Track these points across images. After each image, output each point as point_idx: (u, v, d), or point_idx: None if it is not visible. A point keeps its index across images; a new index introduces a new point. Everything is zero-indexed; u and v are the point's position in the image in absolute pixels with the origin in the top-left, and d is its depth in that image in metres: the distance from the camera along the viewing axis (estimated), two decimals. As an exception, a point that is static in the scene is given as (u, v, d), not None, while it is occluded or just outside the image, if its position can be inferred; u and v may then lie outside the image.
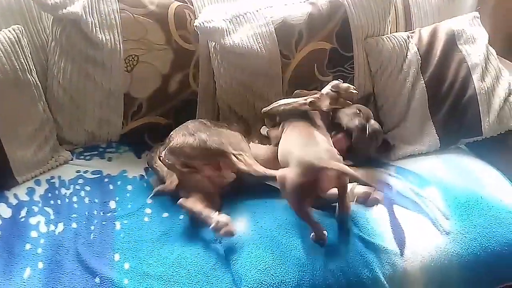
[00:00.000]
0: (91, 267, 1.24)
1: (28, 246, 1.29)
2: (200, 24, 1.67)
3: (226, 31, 1.69)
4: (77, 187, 1.55)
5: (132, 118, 1.76)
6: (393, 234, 1.30)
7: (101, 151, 1.74)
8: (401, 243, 1.28)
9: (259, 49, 1.70)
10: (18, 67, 1.55)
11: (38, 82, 1.62)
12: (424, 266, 1.27)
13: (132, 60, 1.70)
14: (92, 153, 1.73)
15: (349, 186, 1.34)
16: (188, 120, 1.62)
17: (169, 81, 1.76)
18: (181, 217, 1.41)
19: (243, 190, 1.46)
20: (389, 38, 1.84)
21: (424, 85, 1.78)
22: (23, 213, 1.42)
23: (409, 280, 1.25)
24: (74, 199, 1.49)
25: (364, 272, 1.23)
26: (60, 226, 1.37)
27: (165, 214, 1.44)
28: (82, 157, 1.71)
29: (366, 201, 1.39)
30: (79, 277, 1.22)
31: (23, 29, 1.62)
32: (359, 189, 1.42)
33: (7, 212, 1.42)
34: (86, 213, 1.43)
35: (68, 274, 1.22)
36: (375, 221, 1.34)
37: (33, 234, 1.34)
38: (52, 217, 1.41)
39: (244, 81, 1.75)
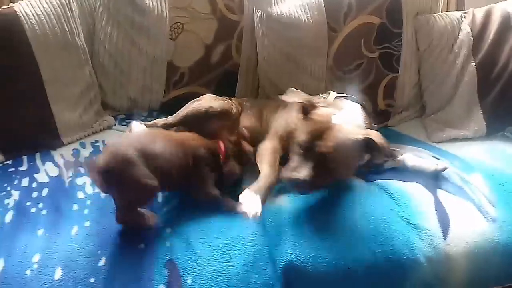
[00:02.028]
0: (137, 230, 1.27)
1: (75, 207, 1.33)
2: None
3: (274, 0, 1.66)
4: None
5: (174, 87, 1.77)
6: (437, 216, 1.28)
7: (142, 119, 1.76)
8: (445, 227, 1.26)
9: (306, 19, 1.67)
10: (67, 29, 1.57)
11: (85, 46, 1.65)
12: (467, 251, 1.24)
13: (177, 28, 1.70)
14: (134, 120, 1.75)
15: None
16: (227, 91, 1.62)
17: (212, 52, 1.75)
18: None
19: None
20: (441, 16, 1.78)
21: (474, 67, 1.72)
22: (70, 173, 1.45)
23: (450, 264, 1.22)
24: (117, 163, 1.52)
25: (404, 252, 1.21)
26: (105, 191, 1.40)
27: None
28: (124, 123, 1.74)
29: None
30: (124, 236, 1.25)
31: (72, -7, 1.64)
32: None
33: (54, 171, 1.47)
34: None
35: (113, 233, 1.25)
36: (419, 202, 1.32)
37: (80, 195, 1.37)
38: (97, 178, 1.44)
39: (288, 53, 1.73)
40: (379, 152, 1.28)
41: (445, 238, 1.24)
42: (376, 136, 1.28)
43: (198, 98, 1.56)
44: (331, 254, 1.20)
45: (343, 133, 1.28)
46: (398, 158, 1.46)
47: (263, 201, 1.27)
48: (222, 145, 1.40)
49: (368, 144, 1.27)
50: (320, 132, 1.27)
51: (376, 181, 1.42)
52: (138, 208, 1.25)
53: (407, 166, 1.45)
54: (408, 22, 1.76)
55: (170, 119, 1.52)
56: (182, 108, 1.54)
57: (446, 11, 1.86)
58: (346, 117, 1.35)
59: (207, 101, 1.53)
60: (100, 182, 1.21)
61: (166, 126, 1.50)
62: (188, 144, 1.35)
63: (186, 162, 1.32)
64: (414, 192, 1.35)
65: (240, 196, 1.25)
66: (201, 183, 1.35)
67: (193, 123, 1.48)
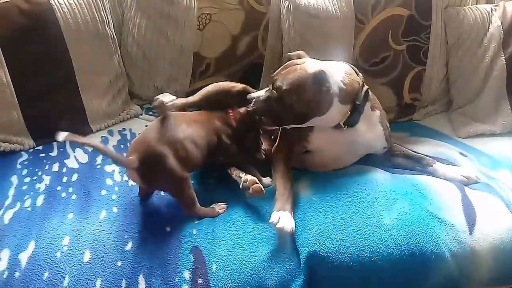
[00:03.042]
0: (163, 217, 1.30)
1: (103, 192, 1.37)
2: None
3: None
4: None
5: (200, 77, 1.79)
6: (464, 211, 1.26)
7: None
8: (471, 222, 1.24)
9: (333, 11, 1.67)
10: (98, 19, 1.61)
11: (115, 36, 1.68)
12: (493, 247, 1.22)
13: (205, 18, 1.71)
14: (160, 110, 1.78)
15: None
16: (252, 83, 1.62)
17: (238, 43, 1.76)
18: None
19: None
20: (471, 9, 1.75)
21: (504, 61, 1.68)
22: (98, 160, 1.49)
23: (475, 260, 1.21)
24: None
25: (429, 245, 1.20)
26: (133, 179, 1.43)
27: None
28: (150, 113, 1.77)
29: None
30: (151, 222, 1.29)
31: (103, -18, 1.67)
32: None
33: (84, 158, 1.50)
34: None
35: (140, 219, 1.29)
36: (446, 196, 1.31)
37: (108, 181, 1.41)
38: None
39: (314, 44, 1.72)
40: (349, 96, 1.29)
41: (471, 233, 1.23)
42: (330, 69, 1.29)
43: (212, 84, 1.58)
44: (355, 245, 1.20)
45: (300, 69, 1.29)
46: (430, 168, 1.43)
47: (291, 213, 1.27)
48: (231, 112, 1.43)
49: (321, 76, 1.27)
50: (287, 67, 1.32)
51: (403, 174, 1.41)
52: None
53: (439, 176, 1.41)
54: (437, 15, 1.74)
55: (190, 98, 1.51)
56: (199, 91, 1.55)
57: (476, 4, 1.81)
58: (321, 62, 1.35)
59: (227, 82, 1.55)
60: (137, 180, 1.26)
61: (186, 106, 1.49)
62: (209, 122, 1.38)
63: (212, 139, 1.35)
64: (441, 187, 1.34)
65: (271, 220, 1.23)
66: (227, 154, 1.40)
67: (213, 102, 1.48)
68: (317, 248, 1.19)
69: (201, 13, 1.70)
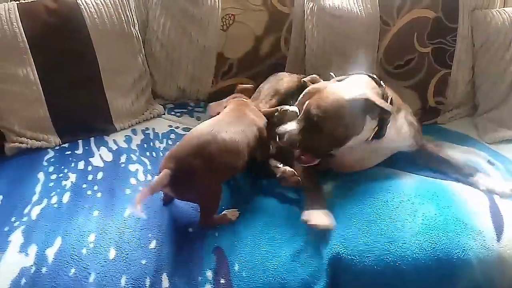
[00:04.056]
0: (185, 218, 1.31)
1: (128, 191, 1.38)
2: None
3: None
4: (170, 142, 1.62)
5: (222, 77, 1.79)
6: (492, 218, 1.24)
7: (190, 109, 1.80)
8: (499, 228, 1.22)
9: (358, 12, 1.66)
10: (123, 19, 1.62)
11: (139, 35, 1.69)
12: (522, 255, 1.20)
13: (229, 19, 1.72)
14: (182, 110, 1.79)
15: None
16: None
17: (261, 44, 1.76)
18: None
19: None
20: (498, 12, 1.72)
21: (532, 66, 1.65)
22: (123, 159, 1.50)
23: (503, 267, 1.19)
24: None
25: (455, 251, 1.18)
26: (157, 179, 1.44)
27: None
28: (173, 113, 1.78)
29: None
30: (174, 222, 1.29)
31: (128, -17, 1.68)
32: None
33: (108, 156, 1.52)
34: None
35: (163, 219, 1.29)
36: (474, 202, 1.29)
37: (133, 181, 1.42)
38: (149, 167, 1.48)
39: (337, 46, 1.71)
40: (378, 111, 1.26)
41: (498, 240, 1.21)
42: (372, 95, 1.26)
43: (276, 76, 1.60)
44: (379, 250, 1.19)
45: (334, 95, 1.27)
46: (472, 179, 1.38)
47: (325, 209, 1.27)
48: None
49: (365, 104, 1.25)
50: (313, 94, 1.29)
51: (430, 179, 1.39)
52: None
53: (479, 188, 1.36)
54: (464, 17, 1.71)
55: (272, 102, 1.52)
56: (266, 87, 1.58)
57: (504, 7, 1.79)
58: (344, 83, 1.33)
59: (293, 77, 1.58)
60: (169, 192, 1.26)
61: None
62: (247, 118, 1.37)
63: (254, 138, 1.34)
64: (469, 193, 1.32)
65: (305, 219, 1.24)
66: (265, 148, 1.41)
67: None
68: (341, 251, 1.19)
69: (225, 14, 1.70)
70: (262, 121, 1.40)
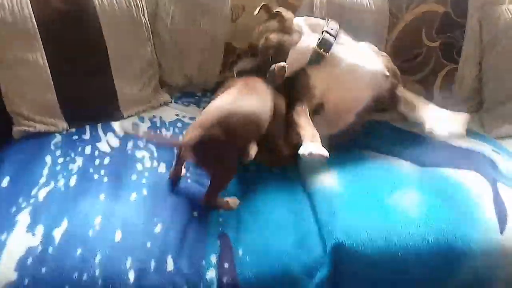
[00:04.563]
0: (190, 203, 1.32)
1: (134, 177, 1.39)
2: None
3: None
4: (176, 130, 1.63)
5: (230, 67, 1.80)
6: (495, 209, 1.25)
7: (197, 99, 1.80)
8: (502, 220, 1.22)
9: (368, 4, 1.66)
10: (133, 6, 1.63)
11: (148, 23, 1.69)
12: (525, 247, 1.21)
13: (238, 9, 1.72)
14: (189, 100, 1.80)
15: None
16: None
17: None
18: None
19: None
20: (508, 9, 1.72)
21: (540, 63, 1.65)
22: (129, 145, 1.51)
23: (505, 259, 1.19)
24: (174, 142, 1.56)
25: (458, 242, 1.19)
26: (162, 166, 1.44)
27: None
28: (179, 102, 1.78)
29: None
30: (179, 207, 1.31)
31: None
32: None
33: (115, 142, 1.53)
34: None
35: (168, 204, 1.31)
36: (477, 193, 1.29)
37: (139, 166, 1.43)
38: (155, 154, 1.49)
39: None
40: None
41: (501, 232, 1.21)
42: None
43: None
44: (382, 239, 1.19)
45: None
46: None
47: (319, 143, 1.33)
48: None
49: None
50: None
51: (432, 168, 1.40)
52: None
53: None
54: (473, 12, 1.71)
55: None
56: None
57: (513, 3, 1.79)
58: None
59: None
60: (191, 158, 1.28)
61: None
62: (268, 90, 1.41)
63: (271, 110, 1.39)
64: (473, 182, 1.33)
65: (300, 152, 1.30)
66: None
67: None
68: (344, 240, 1.19)
69: (234, 4, 1.71)
70: (274, 97, 1.42)
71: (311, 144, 1.31)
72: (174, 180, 1.38)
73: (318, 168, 1.43)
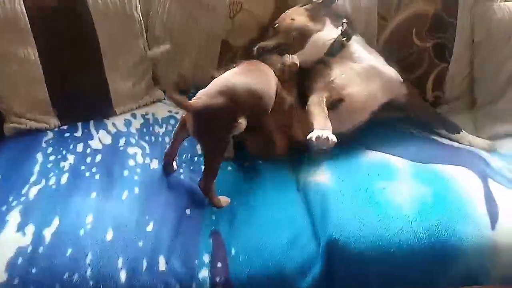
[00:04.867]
0: (183, 200, 1.32)
1: (126, 173, 1.38)
2: None
3: None
4: (169, 127, 1.62)
5: (225, 65, 1.78)
6: (486, 205, 1.25)
7: (191, 96, 1.78)
8: (493, 216, 1.22)
9: (355, 6, 1.67)
10: (126, 1, 1.61)
11: (141, 18, 1.68)
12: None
13: (236, 6, 1.70)
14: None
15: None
16: None
17: (266, 33, 1.75)
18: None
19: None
20: (499, 6, 1.72)
21: (531, 61, 1.66)
22: (121, 142, 1.51)
23: (497, 256, 1.19)
24: (166, 139, 1.55)
25: (450, 238, 1.19)
26: (155, 163, 1.44)
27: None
28: (173, 98, 1.77)
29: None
30: (171, 205, 1.30)
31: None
32: None
33: (107, 139, 1.52)
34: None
35: (161, 201, 1.30)
36: (468, 189, 1.29)
37: (131, 162, 1.42)
38: (147, 151, 1.49)
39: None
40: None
41: (493, 228, 1.22)
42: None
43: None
44: (374, 236, 1.19)
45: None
46: (457, 135, 1.57)
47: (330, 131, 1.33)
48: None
49: None
50: None
51: (424, 164, 1.40)
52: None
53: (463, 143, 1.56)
54: (464, 11, 1.71)
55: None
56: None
57: (505, 1, 1.79)
58: None
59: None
60: (190, 126, 1.29)
61: None
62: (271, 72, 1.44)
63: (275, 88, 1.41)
64: (464, 178, 1.33)
65: (310, 136, 1.30)
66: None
67: None
68: (337, 236, 1.19)
69: (232, 1, 1.69)
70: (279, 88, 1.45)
71: (320, 132, 1.30)
72: (168, 162, 1.37)
73: (311, 165, 1.44)
